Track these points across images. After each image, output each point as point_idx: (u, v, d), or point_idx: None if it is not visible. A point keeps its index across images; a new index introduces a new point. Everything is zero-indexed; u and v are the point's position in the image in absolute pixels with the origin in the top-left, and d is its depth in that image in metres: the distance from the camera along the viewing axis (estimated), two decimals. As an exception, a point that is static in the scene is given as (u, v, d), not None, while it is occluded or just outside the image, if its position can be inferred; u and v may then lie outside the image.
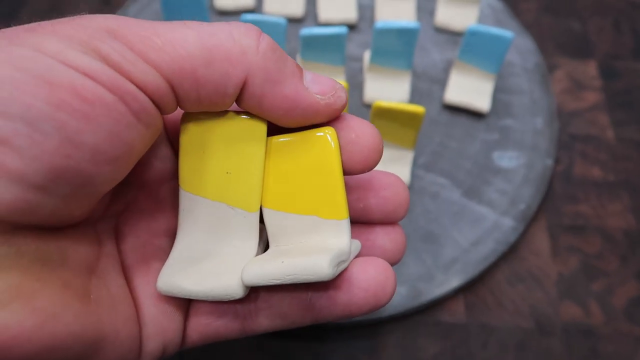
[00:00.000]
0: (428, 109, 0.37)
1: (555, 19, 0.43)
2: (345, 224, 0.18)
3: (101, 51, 0.14)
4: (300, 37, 0.35)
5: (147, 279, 0.18)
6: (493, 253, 0.32)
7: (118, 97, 0.14)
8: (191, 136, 0.18)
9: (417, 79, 0.39)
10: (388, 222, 0.20)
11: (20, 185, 0.13)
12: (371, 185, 0.19)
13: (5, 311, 0.13)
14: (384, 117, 0.31)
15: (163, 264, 0.18)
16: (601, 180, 0.36)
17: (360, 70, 0.39)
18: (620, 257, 0.33)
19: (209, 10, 0.41)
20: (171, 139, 0.19)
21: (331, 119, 0.18)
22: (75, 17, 0.15)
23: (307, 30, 0.34)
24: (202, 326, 0.19)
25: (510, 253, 0.33)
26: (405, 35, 0.35)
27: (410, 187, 0.34)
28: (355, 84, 0.38)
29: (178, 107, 0.17)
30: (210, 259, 0.18)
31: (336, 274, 0.16)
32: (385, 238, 0.20)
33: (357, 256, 0.18)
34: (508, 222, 0.33)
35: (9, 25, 0.15)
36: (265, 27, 0.35)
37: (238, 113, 0.17)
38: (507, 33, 0.35)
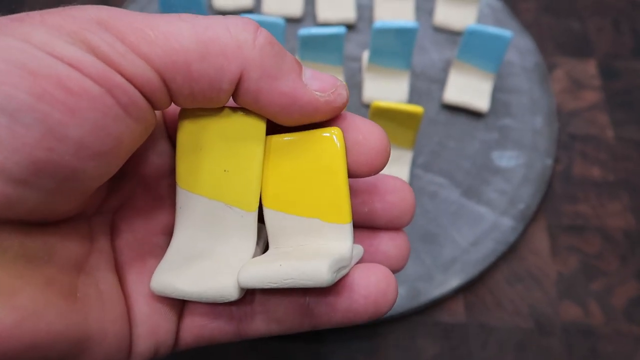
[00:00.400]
0: (427, 109, 0.37)
1: (554, 18, 0.43)
2: (348, 228, 0.17)
3: (90, 42, 0.14)
4: (298, 37, 0.34)
5: (141, 277, 0.18)
6: (492, 253, 0.32)
7: (105, 89, 0.14)
8: (189, 133, 0.17)
9: (416, 78, 0.39)
10: (392, 227, 0.19)
11: (0, 179, 0.13)
12: (376, 189, 0.19)
13: None
14: (383, 117, 0.31)
15: (158, 261, 0.18)
16: (601, 180, 0.36)
17: (359, 70, 0.39)
18: (620, 257, 0.33)
19: (208, 10, 0.41)
20: (171, 134, 0.19)
21: (332, 117, 0.17)
22: (66, 7, 0.15)
23: (306, 30, 0.34)
24: (196, 328, 0.18)
25: (510, 253, 0.33)
26: (404, 35, 0.35)
27: (409, 187, 0.34)
28: (354, 84, 0.38)
29: (173, 103, 0.16)
30: (206, 259, 0.18)
31: (335, 280, 0.15)
32: (389, 244, 0.19)
33: (359, 262, 0.18)
34: (507, 222, 0.33)
35: None
36: (263, 27, 0.35)
37: (236, 110, 0.17)
38: (506, 32, 0.35)
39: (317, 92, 0.16)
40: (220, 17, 0.16)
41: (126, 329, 0.17)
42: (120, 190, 0.18)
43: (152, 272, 0.18)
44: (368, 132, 0.17)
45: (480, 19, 0.42)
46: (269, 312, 0.18)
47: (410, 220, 0.19)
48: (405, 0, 0.41)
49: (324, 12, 0.41)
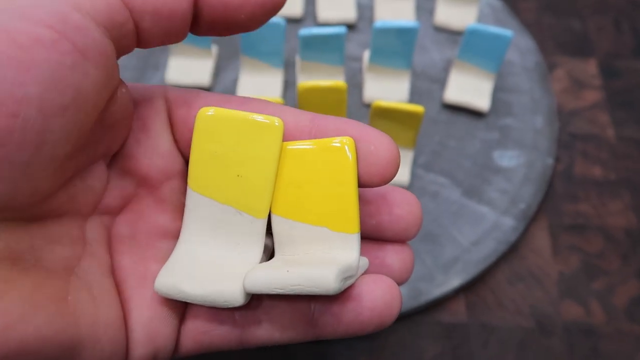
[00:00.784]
0: (427, 109, 0.37)
1: (555, 17, 0.43)
2: (356, 238, 0.17)
3: None
4: (299, 37, 0.34)
5: (142, 281, 0.17)
6: (493, 253, 0.32)
7: (60, 34, 0.13)
8: (204, 135, 0.17)
9: (417, 78, 0.39)
10: (399, 240, 0.19)
11: None
12: (385, 201, 0.19)
13: None
14: (384, 116, 0.31)
15: (161, 265, 0.18)
16: (602, 179, 0.36)
17: (359, 70, 0.39)
18: (621, 256, 0.33)
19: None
20: (176, 137, 0.19)
21: None
22: None
23: (306, 30, 0.34)
24: (198, 334, 0.18)
25: (511, 252, 0.33)
26: (405, 35, 0.35)
27: (410, 186, 0.34)
28: (355, 84, 0.38)
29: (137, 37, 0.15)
30: (213, 263, 0.18)
31: (342, 289, 0.15)
32: (394, 257, 0.19)
33: (364, 273, 0.18)
34: (508, 222, 0.33)
35: None
36: (264, 27, 0.35)
37: (254, 115, 0.17)
38: (506, 32, 0.35)
39: None
40: None
41: (122, 333, 0.16)
42: (119, 189, 0.18)
43: (153, 277, 0.17)
44: (379, 143, 0.17)
45: (481, 19, 0.42)
46: (274, 320, 0.18)
47: (416, 233, 0.19)
48: (405, 0, 0.41)
49: (324, 12, 0.41)
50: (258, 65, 0.37)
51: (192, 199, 0.18)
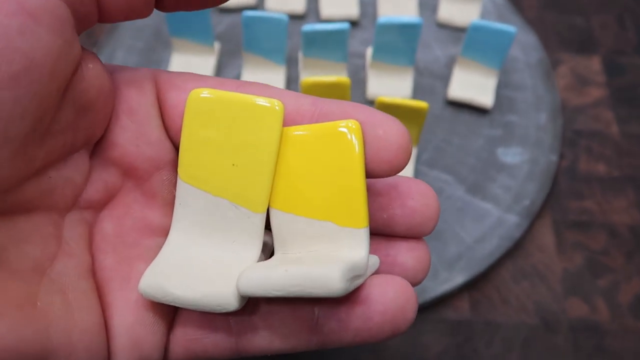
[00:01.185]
0: (431, 105, 0.37)
1: (558, 14, 0.43)
2: (364, 233, 0.15)
3: None
4: (301, 34, 0.34)
5: (127, 284, 0.16)
6: (497, 249, 0.32)
7: None
8: (196, 119, 0.16)
9: (420, 75, 0.38)
10: (412, 236, 0.17)
11: None
12: (397, 193, 0.17)
13: None
14: (387, 113, 0.31)
15: (148, 265, 0.16)
16: (606, 176, 0.35)
17: (362, 67, 0.39)
18: (626, 253, 0.33)
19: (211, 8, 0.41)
20: (166, 123, 0.17)
21: None
22: None
23: (309, 27, 0.34)
24: (189, 342, 0.16)
25: (515, 249, 0.33)
26: (408, 31, 0.35)
27: (414, 183, 0.34)
28: (358, 81, 0.38)
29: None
30: (205, 262, 0.16)
31: (349, 290, 0.14)
32: (408, 255, 0.17)
33: (374, 273, 0.16)
34: (512, 219, 0.33)
35: None
36: (266, 24, 0.35)
37: (250, 97, 0.16)
38: (510, 28, 0.34)
39: None
40: None
41: (101, 341, 0.15)
42: (104, 182, 0.16)
43: (139, 278, 0.16)
44: (388, 127, 0.15)
45: (484, 15, 0.42)
46: (273, 326, 0.16)
47: (433, 228, 0.17)
48: (408, -3, 0.41)
49: (327, 9, 0.40)
50: (260, 61, 0.37)
51: (183, 190, 0.16)
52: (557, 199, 0.35)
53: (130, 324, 0.15)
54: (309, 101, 0.16)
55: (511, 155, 0.35)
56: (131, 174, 0.17)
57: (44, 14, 0.12)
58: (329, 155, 0.15)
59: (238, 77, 0.38)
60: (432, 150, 0.35)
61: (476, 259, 0.31)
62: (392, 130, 0.15)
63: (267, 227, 0.17)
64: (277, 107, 0.15)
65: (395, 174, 0.16)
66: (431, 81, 0.38)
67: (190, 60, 0.37)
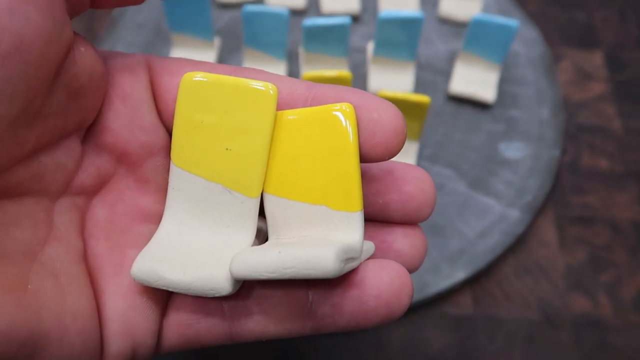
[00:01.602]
0: (433, 100, 0.37)
1: (560, 8, 0.43)
2: (358, 217, 0.15)
3: None
4: (302, 28, 0.34)
5: (119, 269, 0.16)
6: (499, 245, 0.31)
7: None
8: (189, 103, 0.16)
9: (421, 70, 0.38)
10: (409, 222, 0.17)
11: None
12: (393, 178, 0.16)
13: None
14: (389, 107, 0.31)
15: (140, 251, 0.16)
16: (608, 172, 0.35)
17: (363, 62, 0.39)
18: (629, 248, 0.32)
19: (212, 4, 0.41)
20: (160, 107, 0.17)
21: None
22: None
23: (310, 21, 0.34)
24: (182, 327, 0.16)
25: (517, 245, 0.32)
26: (409, 26, 0.34)
27: (415, 179, 0.34)
28: (359, 76, 0.38)
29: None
30: (198, 247, 0.16)
31: (343, 272, 0.14)
32: (404, 241, 0.17)
33: (369, 258, 0.16)
34: (514, 214, 0.33)
35: None
36: (267, 18, 0.34)
37: (244, 81, 0.15)
38: (512, 23, 0.34)
39: None
40: None
41: (94, 326, 0.15)
42: (96, 168, 0.16)
43: (131, 264, 0.15)
44: (383, 110, 0.15)
45: (485, 10, 0.41)
46: (267, 311, 0.16)
47: (430, 214, 0.17)
48: (409, -8, 0.41)
49: (327, 3, 0.40)
50: (261, 56, 0.37)
51: (176, 175, 0.16)
52: (559, 194, 0.34)
53: (123, 310, 0.15)
54: (304, 85, 0.16)
55: (513, 150, 0.35)
56: (124, 159, 0.16)
57: None
58: (322, 139, 0.15)
59: (238, 72, 0.38)
60: (434, 146, 0.35)
61: (478, 255, 0.31)
62: (387, 114, 0.15)
63: (261, 213, 0.16)
64: (271, 91, 0.15)
65: (389, 158, 0.15)
66: (433, 76, 0.38)
67: (191, 55, 0.37)
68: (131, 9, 0.41)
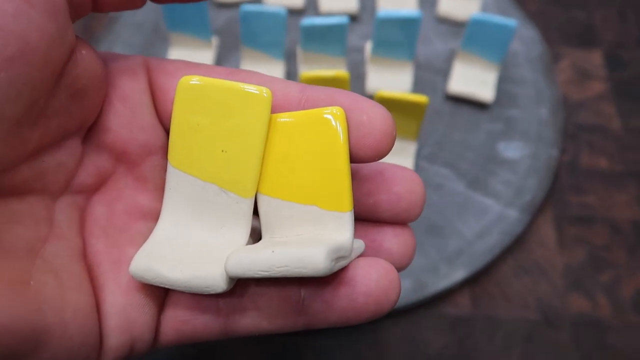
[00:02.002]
0: (431, 100, 0.37)
1: (559, 8, 0.43)
2: (348, 217, 0.16)
3: None
4: (300, 28, 0.34)
5: (117, 265, 0.16)
6: (498, 245, 0.31)
7: None
8: (186, 106, 0.16)
9: (420, 69, 0.38)
10: (398, 221, 0.18)
11: None
12: (383, 179, 0.17)
13: None
14: (386, 107, 0.30)
15: (138, 249, 0.16)
16: (608, 171, 0.35)
17: (362, 62, 0.38)
18: (628, 248, 0.32)
19: (210, 4, 0.41)
20: (158, 108, 0.17)
21: None
22: None
23: (308, 21, 0.34)
24: (179, 323, 0.17)
25: (516, 244, 0.32)
26: (407, 25, 0.34)
27: (414, 178, 0.34)
28: (357, 75, 0.38)
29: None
30: (194, 245, 0.16)
31: (334, 270, 0.14)
32: (393, 240, 0.17)
33: (359, 256, 0.17)
34: (513, 214, 0.32)
35: None
36: (265, 18, 0.34)
37: (240, 85, 0.16)
38: (510, 22, 0.34)
39: None
40: None
41: (93, 320, 0.15)
42: (96, 167, 0.17)
43: (129, 261, 0.16)
44: (372, 112, 0.16)
45: (484, 9, 0.41)
46: (261, 307, 0.16)
47: (419, 214, 0.17)
48: (408, -9, 0.41)
49: (326, 3, 0.40)
50: (259, 56, 0.36)
51: (173, 176, 0.17)
52: (558, 194, 0.34)
53: (121, 305, 0.16)
54: (297, 88, 0.17)
55: (512, 150, 0.35)
56: (123, 158, 0.17)
57: (39, 0, 0.13)
58: (314, 141, 0.16)
59: (236, 72, 0.38)
60: (433, 145, 0.35)
61: (477, 254, 0.31)
62: (377, 117, 0.15)
63: (255, 212, 0.17)
64: (265, 94, 0.16)
65: (379, 159, 0.16)
66: (431, 76, 0.38)
67: (189, 54, 0.37)
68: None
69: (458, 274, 0.30)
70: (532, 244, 0.32)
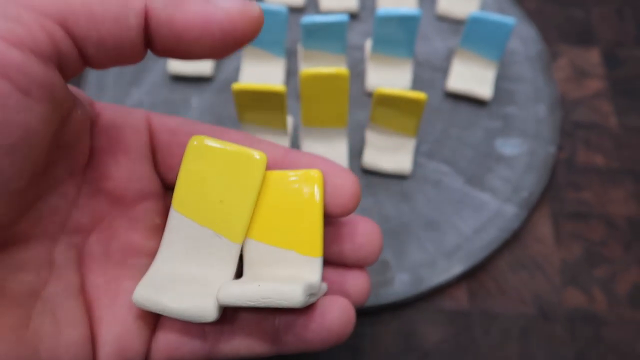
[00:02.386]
0: (430, 97, 0.37)
1: (557, 6, 0.43)
2: (319, 262, 0.19)
3: None
4: (301, 25, 0.34)
5: (114, 298, 0.18)
6: (496, 240, 0.32)
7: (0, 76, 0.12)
8: (194, 160, 0.19)
9: (419, 67, 0.39)
10: (359, 265, 0.21)
11: None
12: (348, 231, 0.20)
13: None
14: (386, 104, 0.31)
15: (134, 282, 0.18)
16: (604, 168, 0.36)
17: (361, 60, 0.39)
18: (624, 244, 0.33)
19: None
20: (157, 159, 0.19)
21: (251, 31, 0.16)
22: None
23: (308, 18, 0.34)
24: (168, 349, 0.19)
25: (513, 240, 0.33)
26: (407, 23, 0.35)
27: (412, 175, 0.34)
28: (357, 73, 0.38)
29: (86, 64, 0.15)
30: (188, 279, 0.19)
31: (307, 304, 0.17)
32: (352, 283, 0.21)
33: (324, 296, 0.20)
34: (511, 209, 0.33)
35: None
36: (266, 16, 0.35)
37: (240, 148, 0.19)
38: (509, 20, 0.34)
39: (227, 6, 0.16)
40: None
41: (87, 351, 0.17)
42: (92, 209, 0.18)
43: (126, 293, 0.18)
44: (344, 178, 0.19)
45: (483, 7, 0.42)
46: (240, 336, 0.19)
47: (376, 260, 0.21)
48: (407, -11, 0.41)
49: (326, 1, 0.40)
50: (260, 54, 0.37)
51: (174, 218, 0.19)
52: (555, 190, 0.35)
53: (116, 334, 0.18)
54: (281, 152, 0.20)
55: (510, 146, 0.35)
56: (119, 202, 0.19)
57: (35, 88, 0.13)
58: (295, 197, 0.19)
59: (237, 69, 0.38)
60: (431, 142, 0.35)
61: (474, 250, 0.31)
62: (347, 181, 0.19)
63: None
64: (259, 157, 0.19)
65: (347, 215, 0.19)
66: (430, 73, 0.38)
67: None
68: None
69: (455, 269, 0.31)
70: (529, 239, 0.33)
